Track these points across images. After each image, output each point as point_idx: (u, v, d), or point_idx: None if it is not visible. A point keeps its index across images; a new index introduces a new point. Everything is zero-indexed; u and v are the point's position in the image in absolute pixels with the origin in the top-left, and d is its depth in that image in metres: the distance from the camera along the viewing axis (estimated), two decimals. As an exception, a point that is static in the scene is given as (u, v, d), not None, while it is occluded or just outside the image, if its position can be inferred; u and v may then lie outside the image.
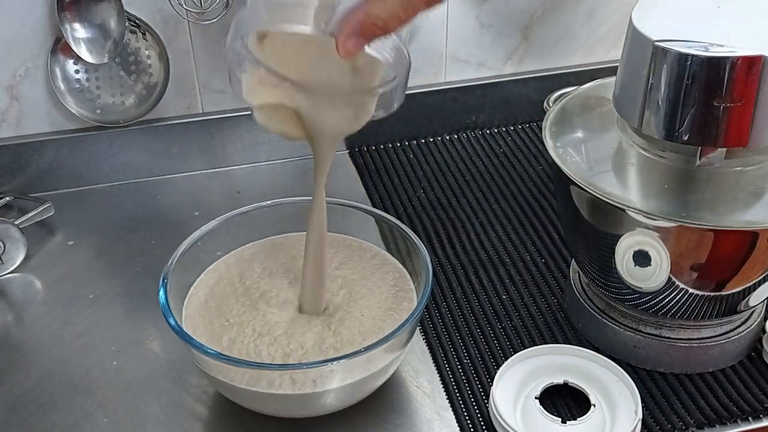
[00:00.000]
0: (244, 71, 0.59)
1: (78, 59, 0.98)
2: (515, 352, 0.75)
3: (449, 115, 1.14)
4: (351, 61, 0.52)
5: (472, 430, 0.72)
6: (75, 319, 0.85)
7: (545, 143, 0.74)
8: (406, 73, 0.56)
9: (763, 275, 0.69)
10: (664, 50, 0.64)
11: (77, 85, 1.00)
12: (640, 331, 0.76)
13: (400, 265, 0.78)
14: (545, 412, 0.69)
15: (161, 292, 0.70)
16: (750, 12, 0.68)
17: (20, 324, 0.85)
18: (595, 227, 0.72)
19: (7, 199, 1.00)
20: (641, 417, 0.69)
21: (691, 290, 0.70)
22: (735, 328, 0.76)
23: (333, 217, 0.81)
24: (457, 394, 0.75)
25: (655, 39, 0.64)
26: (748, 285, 0.70)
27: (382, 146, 1.12)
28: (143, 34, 0.99)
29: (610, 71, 0.74)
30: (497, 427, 0.70)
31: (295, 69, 0.58)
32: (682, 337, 0.75)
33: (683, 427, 0.71)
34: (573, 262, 0.84)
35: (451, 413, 0.74)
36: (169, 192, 1.05)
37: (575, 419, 0.69)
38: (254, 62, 0.58)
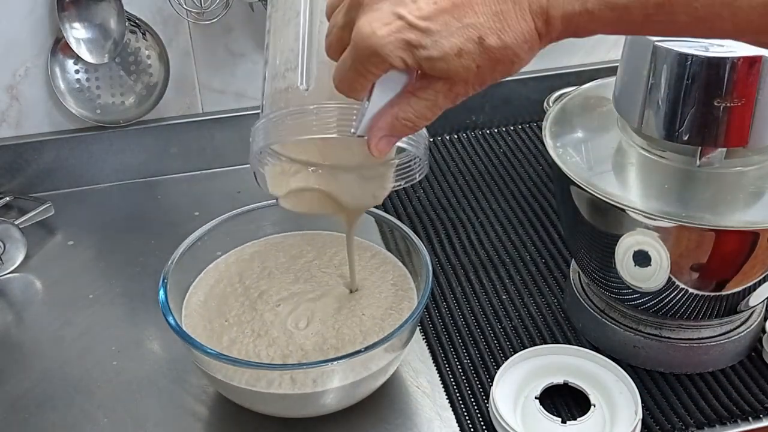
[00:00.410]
0: (266, 164, 0.62)
1: (78, 59, 0.98)
2: (515, 352, 0.75)
3: (449, 115, 1.12)
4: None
5: (472, 430, 0.72)
6: (75, 319, 0.85)
7: (545, 143, 0.73)
8: (423, 149, 0.58)
9: (763, 275, 0.69)
10: (664, 50, 0.64)
11: (77, 85, 1.00)
12: (640, 331, 0.76)
13: (401, 264, 0.78)
14: (545, 412, 0.69)
15: (161, 292, 0.70)
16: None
17: (20, 324, 0.85)
18: (595, 227, 0.72)
19: (7, 199, 1.00)
20: (641, 417, 0.69)
21: (691, 290, 0.70)
22: (735, 328, 0.76)
23: (333, 218, 0.81)
24: (457, 394, 0.75)
25: (655, 39, 0.64)
26: (748, 285, 0.70)
27: (382, 146, 1.12)
28: (143, 34, 0.99)
29: (610, 71, 0.74)
30: (497, 427, 0.70)
31: (313, 155, 0.61)
32: (682, 337, 0.75)
33: (683, 427, 0.71)
34: (573, 262, 0.84)
35: (451, 413, 0.74)
36: (169, 192, 1.05)
37: (575, 419, 0.69)
38: (275, 155, 0.61)
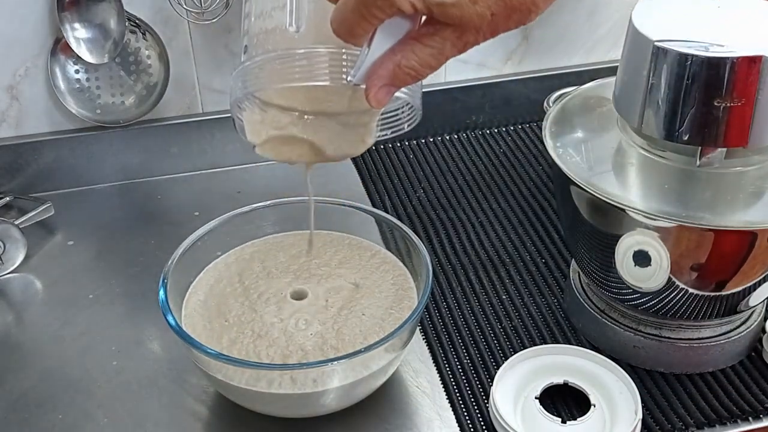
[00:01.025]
0: (243, 110, 0.58)
1: (78, 59, 0.98)
2: (515, 352, 0.75)
3: (449, 115, 1.14)
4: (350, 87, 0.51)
5: (472, 430, 0.72)
6: (75, 319, 0.85)
7: (545, 143, 0.73)
8: (418, 97, 0.54)
9: (763, 275, 0.69)
10: (664, 50, 0.64)
11: (77, 85, 1.00)
12: (640, 331, 0.76)
13: (401, 263, 0.78)
14: (545, 412, 0.69)
15: (161, 292, 0.70)
16: (750, 12, 0.68)
17: (20, 324, 0.85)
18: (595, 227, 0.72)
19: (7, 199, 1.00)
20: (641, 417, 0.69)
21: (691, 290, 0.70)
22: (735, 328, 0.76)
23: (333, 217, 0.81)
24: (457, 394, 0.75)
25: (655, 39, 0.64)
26: (748, 285, 0.70)
27: (382, 146, 1.12)
28: (143, 34, 0.99)
29: (610, 71, 0.74)
30: (497, 427, 0.70)
31: (293, 100, 0.57)
32: (682, 337, 0.75)
33: (683, 427, 0.71)
34: (573, 262, 0.84)
35: (451, 413, 0.74)
36: (169, 192, 1.05)
37: (575, 419, 0.69)
38: (253, 100, 0.56)
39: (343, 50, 0.49)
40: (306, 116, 0.57)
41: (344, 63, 0.50)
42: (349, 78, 0.49)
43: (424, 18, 0.47)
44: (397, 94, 0.51)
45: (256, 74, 0.53)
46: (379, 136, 0.58)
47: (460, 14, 0.44)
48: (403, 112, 0.57)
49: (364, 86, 0.50)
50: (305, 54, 0.51)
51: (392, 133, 0.58)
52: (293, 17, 0.53)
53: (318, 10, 0.51)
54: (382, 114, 0.58)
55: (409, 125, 0.57)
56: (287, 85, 0.53)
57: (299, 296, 0.75)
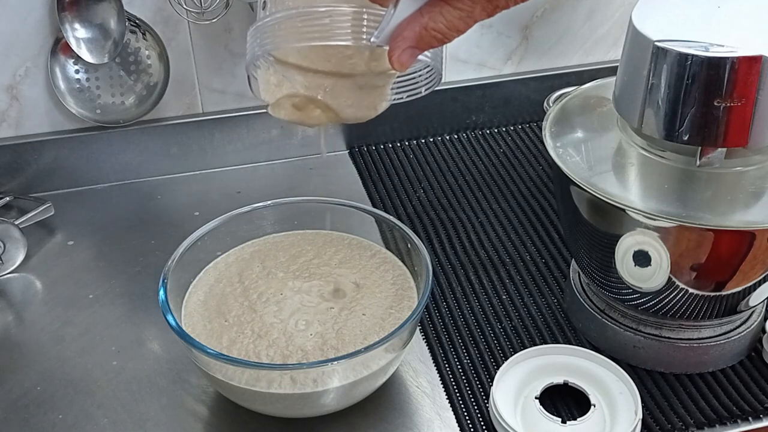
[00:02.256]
0: (258, 67, 0.56)
1: (78, 59, 0.98)
2: (515, 352, 0.75)
3: (449, 115, 1.14)
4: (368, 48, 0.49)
5: (472, 430, 0.72)
6: (75, 319, 0.85)
7: (545, 143, 0.73)
8: (437, 55, 0.52)
9: (763, 275, 0.69)
10: (664, 50, 0.64)
11: (77, 85, 1.00)
12: (640, 331, 0.76)
13: (400, 263, 0.78)
14: (545, 412, 0.69)
15: (161, 292, 0.70)
16: (750, 12, 0.68)
17: (20, 324, 0.85)
18: (595, 227, 0.72)
19: (7, 199, 1.00)
20: (641, 417, 0.69)
21: (691, 290, 0.70)
22: (735, 328, 0.76)
23: (333, 217, 0.81)
24: (457, 394, 0.75)
25: (655, 39, 0.64)
26: (748, 285, 0.70)
27: (382, 146, 1.12)
28: (143, 34, 0.99)
29: (610, 71, 0.74)
30: (497, 427, 0.70)
31: (311, 59, 0.56)
32: (682, 337, 0.75)
33: (683, 427, 0.71)
34: (573, 262, 0.84)
35: (451, 413, 0.74)
36: (169, 192, 1.05)
37: (575, 419, 0.69)
38: (268, 58, 0.55)
39: (364, 9, 0.48)
40: (323, 77, 0.55)
41: (366, 23, 0.48)
42: (372, 39, 0.48)
43: None
44: (423, 58, 0.50)
45: (274, 31, 0.51)
46: (394, 100, 0.57)
47: None
48: (420, 76, 0.56)
49: (387, 48, 0.48)
50: (326, 12, 0.49)
51: (408, 96, 0.56)
52: None
53: None
54: (397, 77, 0.56)
55: (426, 89, 0.55)
56: (309, 44, 0.52)
57: (299, 296, 0.75)
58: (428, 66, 0.53)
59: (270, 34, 0.51)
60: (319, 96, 0.57)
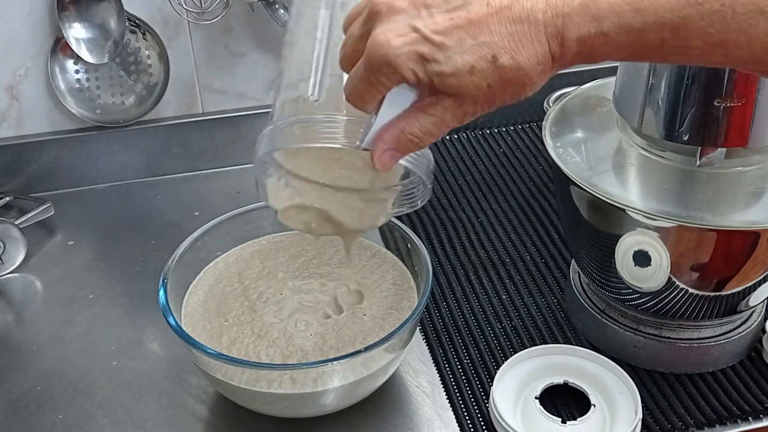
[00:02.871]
0: (270, 176, 0.62)
1: (78, 59, 0.98)
2: (515, 352, 0.75)
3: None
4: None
5: (472, 430, 0.72)
6: (75, 319, 0.85)
7: (545, 143, 0.73)
8: (426, 171, 0.58)
9: (763, 275, 0.69)
10: (664, 50, 0.64)
11: (77, 85, 1.00)
12: (640, 331, 0.76)
13: (400, 263, 0.78)
14: (545, 412, 0.69)
15: (161, 293, 0.70)
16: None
17: (20, 324, 0.85)
18: (595, 227, 0.72)
19: (7, 199, 1.00)
20: (641, 417, 0.69)
21: (691, 290, 0.70)
22: (735, 328, 0.76)
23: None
24: (457, 394, 0.75)
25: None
26: (748, 285, 0.70)
27: (382, 146, 1.12)
28: (143, 34, 0.99)
29: (610, 71, 0.74)
30: (497, 427, 0.70)
31: (316, 174, 0.61)
32: (682, 337, 0.75)
33: (683, 427, 0.71)
34: (573, 262, 0.84)
35: (451, 413, 0.74)
36: (169, 192, 1.05)
37: (575, 419, 0.69)
38: (278, 167, 0.60)
39: (362, 120, 0.53)
40: (326, 189, 0.61)
41: (361, 130, 0.54)
42: (357, 143, 0.53)
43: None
44: (402, 162, 0.54)
45: (277, 135, 0.57)
46: (396, 212, 0.63)
47: (457, 84, 0.47)
48: (417, 190, 0.61)
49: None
50: (324, 119, 0.55)
51: (408, 209, 0.62)
52: (315, 88, 0.58)
53: (338, 82, 0.55)
54: (401, 192, 0.62)
55: (421, 201, 0.61)
56: (304, 145, 0.57)
57: (299, 296, 0.75)
58: (422, 181, 0.59)
59: (275, 136, 0.57)
60: (322, 207, 0.62)
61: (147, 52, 1.00)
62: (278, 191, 0.63)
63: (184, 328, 0.70)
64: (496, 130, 1.15)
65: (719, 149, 0.66)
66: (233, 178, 1.07)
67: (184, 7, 0.95)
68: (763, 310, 0.79)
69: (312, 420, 0.72)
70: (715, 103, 0.63)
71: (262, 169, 0.61)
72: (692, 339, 0.75)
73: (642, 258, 0.69)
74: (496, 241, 0.94)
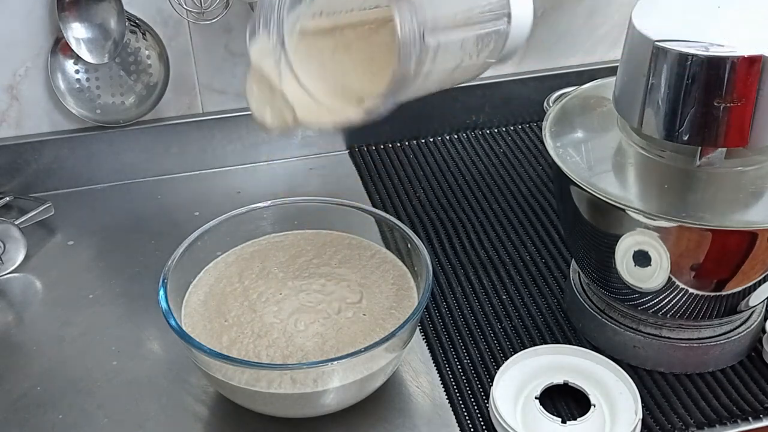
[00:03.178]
0: (268, 31, 0.59)
1: (78, 59, 0.98)
2: (515, 352, 0.75)
3: (449, 115, 1.14)
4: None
5: (472, 430, 0.72)
6: (75, 319, 0.85)
7: (545, 143, 0.73)
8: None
9: (763, 275, 0.69)
10: (664, 50, 0.64)
11: (77, 85, 1.00)
12: (640, 331, 0.76)
13: (400, 263, 0.78)
14: (545, 412, 0.69)
15: (161, 293, 0.70)
16: (750, 12, 0.68)
17: (20, 324, 0.85)
18: (595, 227, 0.72)
19: (7, 199, 1.00)
20: (641, 417, 0.69)
21: (691, 290, 0.70)
22: (735, 328, 0.76)
23: (333, 217, 0.81)
24: (457, 394, 0.75)
25: (655, 39, 0.64)
26: (748, 285, 0.70)
27: (382, 146, 1.12)
28: (143, 34, 0.99)
29: (610, 71, 0.74)
30: (497, 427, 0.70)
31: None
32: (682, 337, 0.75)
33: (683, 427, 0.71)
34: (573, 262, 0.84)
35: (451, 413, 0.74)
36: (169, 192, 1.05)
37: (575, 419, 0.69)
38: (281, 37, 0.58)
39: None
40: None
41: None
42: None
43: None
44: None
45: None
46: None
47: None
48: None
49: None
50: None
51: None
52: None
53: None
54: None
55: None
56: None
57: (299, 296, 0.75)
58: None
59: None
60: (295, 99, 0.59)
61: (147, 52, 1.00)
62: (263, 51, 0.59)
63: (184, 328, 0.70)
64: (496, 130, 1.15)
65: (719, 149, 0.66)
66: (233, 178, 1.07)
67: (184, 7, 0.95)
68: (763, 310, 0.79)
69: (312, 420, 0.72)
70: (715, 103, 0.63)
71: (266, 18, 0.57)
72: (692, 339, 0.75)
73: (642, 258, 0.69)
74: (496, 241, 0.94)
